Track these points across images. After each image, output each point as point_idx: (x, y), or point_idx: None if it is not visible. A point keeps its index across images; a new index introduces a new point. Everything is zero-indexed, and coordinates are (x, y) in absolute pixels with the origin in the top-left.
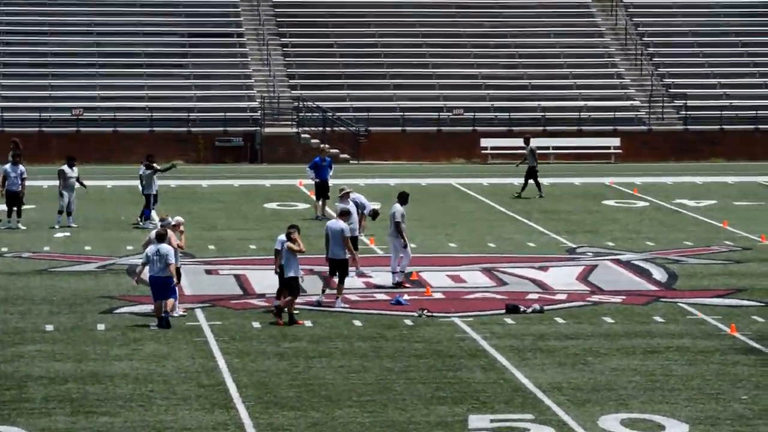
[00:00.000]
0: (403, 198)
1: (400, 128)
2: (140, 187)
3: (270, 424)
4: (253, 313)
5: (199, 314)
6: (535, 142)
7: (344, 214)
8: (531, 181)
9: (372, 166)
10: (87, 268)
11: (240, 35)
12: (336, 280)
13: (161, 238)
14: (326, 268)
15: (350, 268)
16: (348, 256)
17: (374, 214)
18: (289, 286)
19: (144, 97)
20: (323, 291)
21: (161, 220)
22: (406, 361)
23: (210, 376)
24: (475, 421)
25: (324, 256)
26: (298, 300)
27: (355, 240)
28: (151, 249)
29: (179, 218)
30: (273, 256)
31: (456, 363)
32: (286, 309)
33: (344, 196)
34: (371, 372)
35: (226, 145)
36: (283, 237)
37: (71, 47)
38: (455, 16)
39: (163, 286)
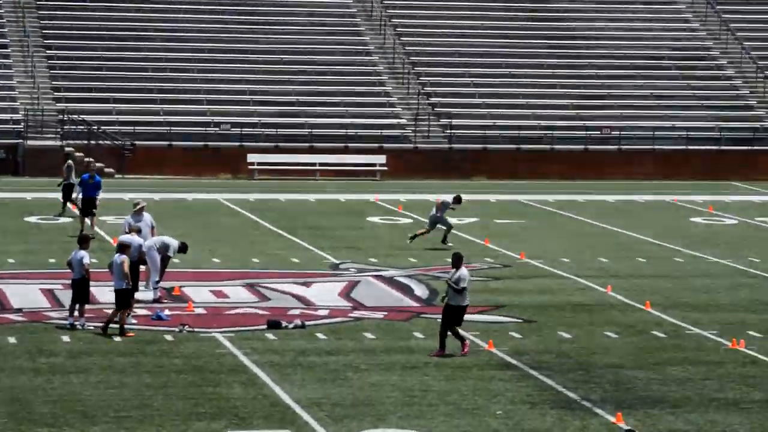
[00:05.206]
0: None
1: (166, 142)
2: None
3: None
4: (8, 328)
5: None
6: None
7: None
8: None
9: (137, 180)
10: None
11: (4, 46)
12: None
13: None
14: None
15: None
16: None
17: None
18: (118, 299)
19: None
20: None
21: None
22: (165, 377)
23: None
24: None
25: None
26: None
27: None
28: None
29: None
30: (29, 270)
31: (215, 378)
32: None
33: (138, 211)
34: (129, 388)
35: None
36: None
37: None
38: (224, 30)
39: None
